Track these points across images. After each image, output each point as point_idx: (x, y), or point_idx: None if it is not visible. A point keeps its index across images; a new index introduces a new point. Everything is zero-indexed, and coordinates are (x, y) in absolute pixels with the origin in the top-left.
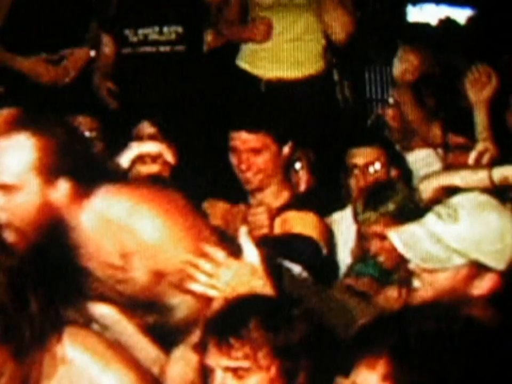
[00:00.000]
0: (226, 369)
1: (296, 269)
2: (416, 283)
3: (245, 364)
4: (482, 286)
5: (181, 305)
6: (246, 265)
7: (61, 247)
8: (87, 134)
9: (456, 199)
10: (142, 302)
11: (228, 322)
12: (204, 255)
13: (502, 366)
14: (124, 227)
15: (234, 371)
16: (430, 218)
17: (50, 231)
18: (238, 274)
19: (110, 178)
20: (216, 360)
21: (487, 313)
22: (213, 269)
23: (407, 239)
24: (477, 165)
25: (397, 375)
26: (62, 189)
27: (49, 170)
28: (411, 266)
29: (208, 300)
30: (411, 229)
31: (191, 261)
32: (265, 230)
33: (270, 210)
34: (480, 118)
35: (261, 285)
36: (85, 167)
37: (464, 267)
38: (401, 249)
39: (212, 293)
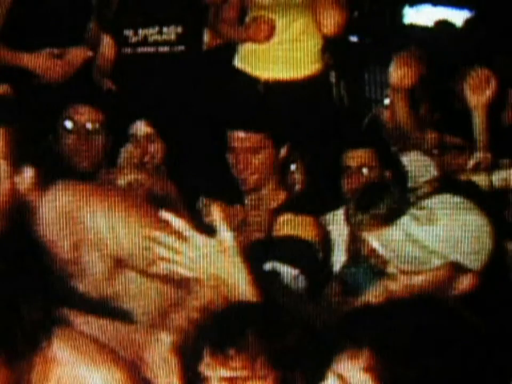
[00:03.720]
0: (222, 379)
1: (293, 271)
2: (393, 286)
3: (243, 373)
4: (460, 286)
5: (134, 308)
6: (215, 243)
7: (27, 238)
8: (88, 125)
9: (431, 201)
10: (101, 304)
11: (224, 332)
12: (163, 227)
13: (484, 360)
14: (73, 219)
15: (231, 381)
16: (407, 220)
17: (18, 219)
18: (205, 250)
19: (69, 175)
20: (213, 370)
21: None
22: (175, 242)
23: (385, 242)
24: (475, 169)
25: (379, 367)
26: (27, 176)
27: (15, 158)
28: (389, 269)
29: (185, 281)
30: (389, 231)
31: (149, 235)
32: (262, 233)
33: (268, 212)
34: (479, 123)
35: (238, 275)
36: (46, 159)
37: (443, 268)
38: (380, 251)
39: (178, 270)
